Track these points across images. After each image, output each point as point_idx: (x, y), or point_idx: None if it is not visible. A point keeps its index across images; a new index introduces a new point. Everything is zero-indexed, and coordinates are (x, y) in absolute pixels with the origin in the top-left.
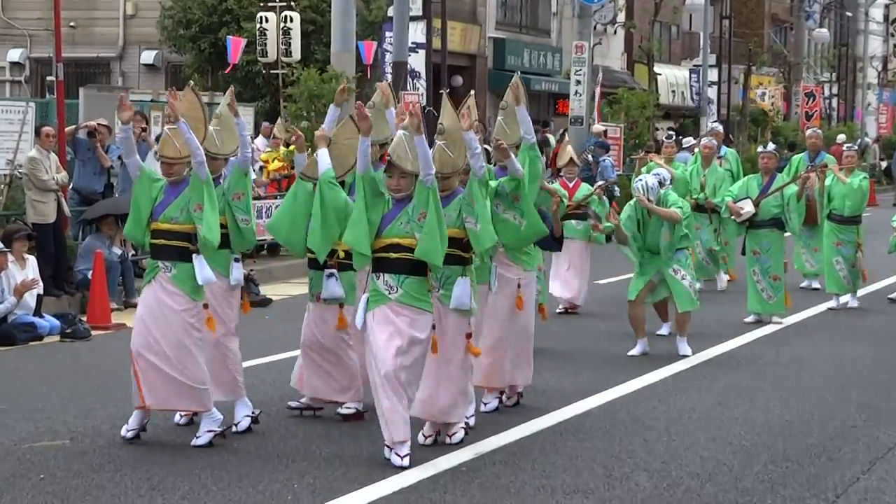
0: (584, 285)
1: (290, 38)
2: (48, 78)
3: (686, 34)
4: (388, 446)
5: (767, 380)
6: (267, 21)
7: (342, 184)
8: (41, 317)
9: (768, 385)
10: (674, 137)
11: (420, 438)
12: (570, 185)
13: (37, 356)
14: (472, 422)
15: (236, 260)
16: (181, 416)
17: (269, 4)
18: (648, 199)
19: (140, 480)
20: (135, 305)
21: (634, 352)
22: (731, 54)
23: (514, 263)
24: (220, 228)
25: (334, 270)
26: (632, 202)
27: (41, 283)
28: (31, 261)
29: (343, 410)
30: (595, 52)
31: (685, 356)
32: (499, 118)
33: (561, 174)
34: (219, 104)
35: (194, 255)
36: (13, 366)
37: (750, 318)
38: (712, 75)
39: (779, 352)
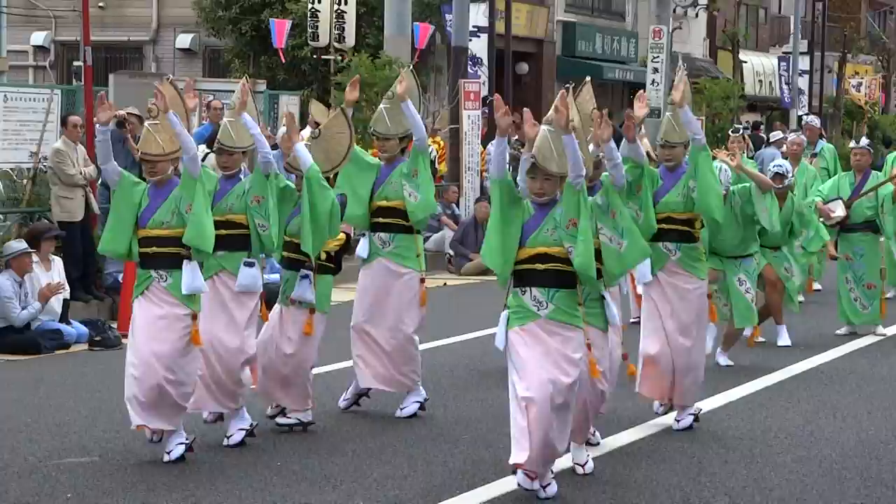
0: None
1: (343, 22)
2: (75, 63)
3: (775, 18)
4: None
5: (861, 397)
6: (319, 2)
7: (329, 181)
8: (68, 323)
9: (862, 402)
10: (740, 131)
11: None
12: None
13: (63, 366)
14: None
15: (247, 264)
16: (209, 413)
17: None
18: None
19: (176, 502)
20: None
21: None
22: (825, 40)
23: (685, 272)
24: (240, 229)
25: (310, 273)
26: None
27: (68, 287)
28: (57, 262)
29: (284, 420)
30: (674, 37)
31: (728, 365)
32: (667, 114)
33: None
34: (261, 92)
35: (185, 262)
36: (38, 376)
37: (843, 330)
38: (803, 63)
39: (874, 366)
